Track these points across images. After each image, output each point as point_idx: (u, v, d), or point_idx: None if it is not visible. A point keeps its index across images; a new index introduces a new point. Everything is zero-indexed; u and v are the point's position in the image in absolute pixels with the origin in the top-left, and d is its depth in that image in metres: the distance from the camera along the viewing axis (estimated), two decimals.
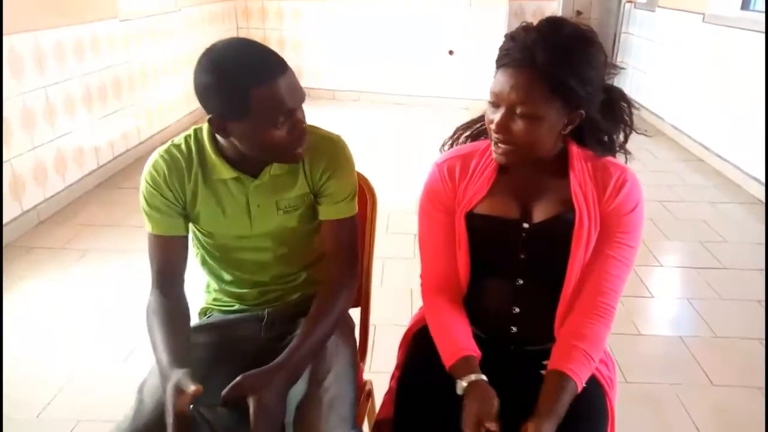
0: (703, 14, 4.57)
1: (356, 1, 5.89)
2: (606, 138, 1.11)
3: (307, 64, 6.17)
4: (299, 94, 1.03)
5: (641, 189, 1.10)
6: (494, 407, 0.97)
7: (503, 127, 1.01)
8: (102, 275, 2.68)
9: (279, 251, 1.22)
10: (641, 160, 4.06)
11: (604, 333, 1.07)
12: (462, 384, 1.01)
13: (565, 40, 0.96)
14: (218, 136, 1.09)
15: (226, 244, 1.21)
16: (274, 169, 1.14)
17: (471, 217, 1.13)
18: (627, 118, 1.11)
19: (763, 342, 2.23)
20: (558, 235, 1.09)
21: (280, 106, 1.00)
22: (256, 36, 5.96)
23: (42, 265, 2.74)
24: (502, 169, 1.12)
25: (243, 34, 6.06)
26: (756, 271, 2.77)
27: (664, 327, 2.41)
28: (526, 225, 1.11)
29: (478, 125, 1.20)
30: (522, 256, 1.12)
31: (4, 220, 2.91)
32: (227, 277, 1.26)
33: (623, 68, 1.14)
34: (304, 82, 1.06)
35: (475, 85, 5.54)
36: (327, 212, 1.19)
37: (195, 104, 4.99)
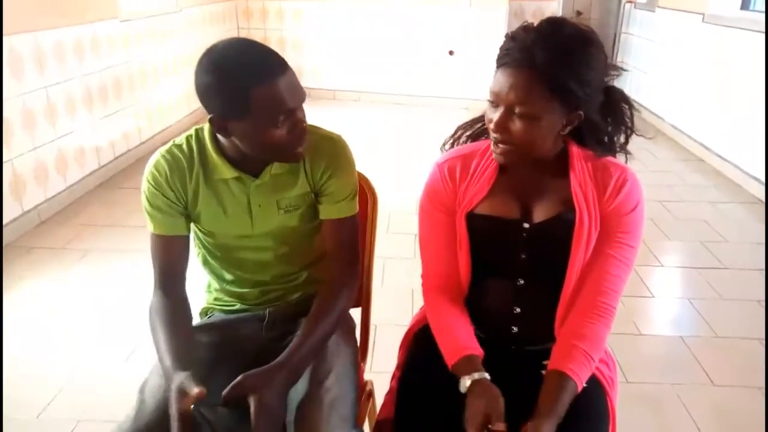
0: (703, 14, 4.57)
1: (356, 1, 5.90)
2: (606, 138, 1.11)
3: (307, 64, 6.18)
4: (299, 94, 1.04)
5: (641, 189, 1.10)
6: (501, 406, 0.97)
7: (502, 126, 1.01)
8: (103, 275, 2.68)
9: (280, 251, 1.22)
10: (641, 160, 4.06)
11: (604, 333, 1.07)
12: (465, 382, 1.01)
13: (564, 40, 0.97)
14: (219, 136, 1.09)
15: (227, 244, 1.21)
16: (275, 168, 1.14)
17: (472, 218, 1.13)
18: (627, 120, 1.11)
19: (764, 342, 2.23)
20: (558, 235, 1.09)
21: (281, 106, 1.00)
22: (257, 36, 5.96)
23: (43, 266, 2.74)
24: (502, 170, 1.12)
25: (244, 35, 6.06)
26: (756, 271, 2.77)
27: (665, 327, 2.41)
28: (526, 225, 1.11)
29: (479, 125, 1.20)
30: (523, 256, 1.12)
31: (5, 220, 2.91)
32: (228, 276, 1.26)
33: (626, 69, 1.14)
34: (304, 82, 1.06)
35: (475, 85, 5.54)
36: (327, 211, 1.19)
37: (195, 104, 5.02)
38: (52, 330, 2.27)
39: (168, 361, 1.01)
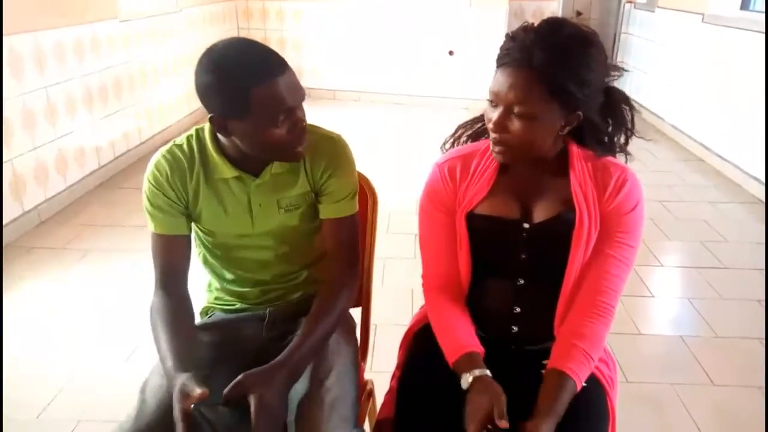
0: (703, 14, 4.57)
1: (356, 2, 5.90)
2: (606, 139, 1.11)
3: (307, 64, 6.18)
4: (299, 93, 1.04)
5: (641, 189, 1.10)
6: (503, 403, 0.97)
7: (501, 126, 1.01)
8: (103, 275, 2.68)
9: (280, 250, 1.22)
10: (641, 159, 4.06)
11: (603, 332, 1.08)
12: (467, 378, 1.01)
13: (563, 41, 0.97)
14: (220, 136, 1.10)
15: (227, 243, 1.21)
16: (275, 167, 1.14)
17: (472, 218, 1.13)
18: (628, 121, 1.11)
19: (764, 342, 2.23)
20: (558, 234, 1.09)
21: (280, 105, 1.00)
22: (257, 36, 5.96)
23: (43, 266, 2.74)
24: (502, 170, 1.12)
25: (244, 35, 6.06)
26: (756, 271, 2.77)
27: (665, 327, 2.41)
28: (526, 225, 1.11)
29: (480, 125, 1.20)
30: (523, 256, 1.12)
31: (5, 220, 2.91)
32: (229, 275, 1.26)
33: (627, 70, 1.13)
34: (304, 82, 1.07)
35: (475, 85, 5.54)
36: (327, 211, 1.19)
37: (195, 104, 5.02)
38: (52, 330, 2.28)
39: (169, 363, 1.01)
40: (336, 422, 1.03)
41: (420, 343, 1.22)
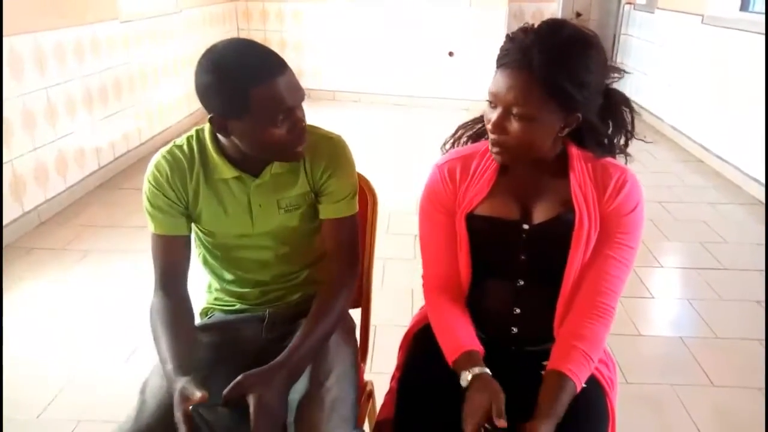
0: (702, 15, 4.58)
1: (356, 2, 5.90)
2: (606, 140, 1.11)
3: (307, 65, 6.18)
4: (299, 93, 1.04)
5: (641, 190, 1.10)
6: (502, 401, 0.97)
7: (499, 127, 1.01)
8: (103, 276, 2.68)
9: (280, 250, 1.22)
10: (641, 161, 4.06)
11: (603, 333, 1.08)
12: (466, 376, 1.01)
13: (562, 43, 0.96)
14: (219, 136, 1.10)
15: (227, 243, 1.21)
16: (275, 168, 1.14)
17: (471, 219, 1.13)
18: (628, 123, 1.11)
19: (763, 343, 2.23)
20: (558, 235, 1.09)
21: (280, 105, 1.01)
22: (257, 37, 5.96)
23: (43, 266, 2.75)
24: (502, 171, 1.12)
25: (244, 36, 6.06)
26: (756, 272, 2.77)
27: (665, 328, 2.41)
28: (526, 226, 1.11)
29: (480, 125, 1.20)
30: (522, 257, 1.12)
31: (5, 221, 2.91)
32: (228, 276, 1.26)
33: (628, 72, 1.13)
34: (304, 83, 1.07)
35: (475, 85, 5.55)
36: (327, 211, 1.19)
37: (195, 105, 5.02)
38: (52, 330, 2.28)
39: (170, 366, 1.01)
40: (336, 423, 1.03)
41: (420, 344, 1.22)
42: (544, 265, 1.12)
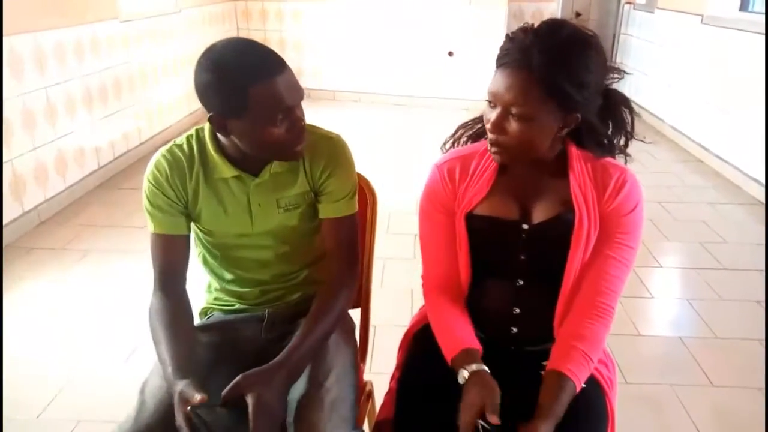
0: (702, 15, 4.58)
1: (356, 2, 5.90)
2: (606, 140, 1.11)
3: (307, 65, 6.18)
4: (297, 92, 1.04)
5: (641, 190, 1.10)
6: (497, 398, 0.97)
7: (498, 126, 1.01)
8: (103, 276, 2.68)
9: (280, 250, 1.22)
10: (641, 161, 4.07)
11: (603, 333, 1.08)
12: (463, 373, 1.01)
13: (561, 43, 0.96)
14: (219, 135, 1.10)
15: (226, 243, 1.21)
16: (275, 167, 1.14)
17: (471, 218, 1.13)
18: (627, 124, 1.11)
19: (763, 343, 2.23)
20: (558, 235, 1.09)
21: (279, 104, 1.01)
22: (257, 37, 5.96)
23: (42, 266, 2.74)
24: (501, 170, 1.12)
25: (243, 35, 6.06)
26: (756, 272, 2.77)
27: (664, 328, 2.41)
28: (525, 226, 1.11)
29: (480, 125, 1.20)
30: (522, 257, 1.12)
31: (5, 221, 2.91)
32: (228, 276, 1.26)
33: (628, 73, 1.13)
34: (304, 83, 1.07)
35: (474, 85, 5.54)
36: (327, 210, 1.19)
37: (195, 105, 5.02)
38: (52, 330, 2.28)
39: (169, 369, 1.01)
40: (335, 423, 1.03)
41: (419, 344, 1.22)
42: (544, 265, 1.12)
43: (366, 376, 1.36)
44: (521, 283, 1.14)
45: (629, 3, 6.05)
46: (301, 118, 1.07)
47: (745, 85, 3.89)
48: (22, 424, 1.80)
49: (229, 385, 0.97)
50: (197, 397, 0.93)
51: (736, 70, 4.07)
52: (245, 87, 0.98)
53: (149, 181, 1.14)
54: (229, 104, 1.01)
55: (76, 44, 3.54)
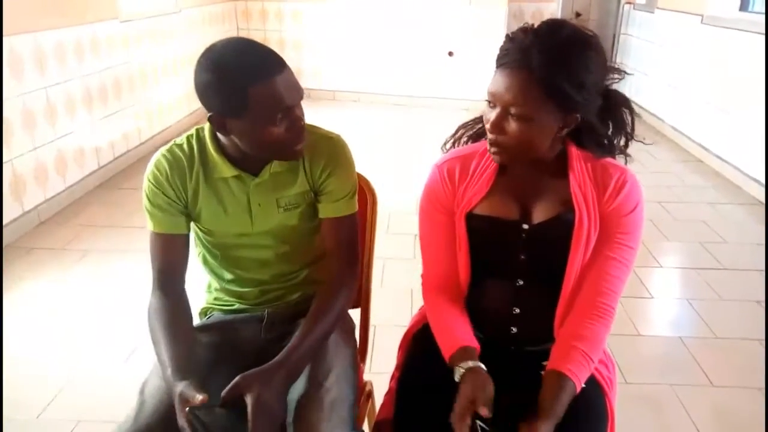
0: (702, 15, 4.58)
1: (356, 2, 5.90)
2: (606, 141, 1.11)
3: (307, 65, 6.18)
4: (297, 92, 1.04)
5: (641, 190, 1.10)
6: (489, 392, 0.97)
7: (497, 126, 1.01)
8: (102, 276, 2.68)
9: (280, 249, 1.22)
10: (640, 161, 4.07)
11: (603, 334, 1.08)
12: (459, 371, 1.02)
13: (561, 43, 0.96)
14: (219, 135, 1.10)
15: (226, 242, 1.21)
16: (275, 166, 1.14)
17: (471, 218, 1.13)
18: (628, 125, 1.11)
19: (763, 343, 2.23)
20: (558, 235, 1.09)
21: (278, 104, 1.01)
22: (257, 37, 5.96)
23: (42, 266, 2.74)
24: (501, 170, 1.12)
25: (243, 35, 6.06)
26: (756, 272, 2.77)
27: (664, 328, 2.41)
28: (525, 226, 1.11)
29: (480, 125, 1.20)
30: (522, 257, 1.12)
31: (5, 221, 2.91)
32: (228, 275, 1.26)
33: (630, 73, 1.13)
34: (304, 83, 1.07)
35: (474, 85, 5.54)
36: (326, 210, 1.19)
37: (195, 105, 5.02)
38: (52, 330, 2.28)
39: (169, 370, 1.01)
40: (335, 423, 1.03)
41: (419, 344, 1.22)
42: (544, 265, 1.12)
43: (366, 376, 1.36)
44: (521, 283, 1.14)
45: (629, 3, 6.05)
46: (301, 118, 1.07)
47: (745, 85, 3.88)
48: (22, 424, 1.80)
49: (228, 386, 0.97)
50: (198, 397, 0.93)
51: (736, 70, 4.07)
52: (245, 87, 0.98)
53: (149, 180, 1.14)
54: (228, 104, 1.01)
55: (76, 44, 3.54)
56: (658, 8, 5.38)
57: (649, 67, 5.50)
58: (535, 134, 1.01)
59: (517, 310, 1.14)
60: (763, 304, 2.48)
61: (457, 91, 5.86)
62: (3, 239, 2.87)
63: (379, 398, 1.26)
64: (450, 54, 5.86)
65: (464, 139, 1.22)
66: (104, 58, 3.84)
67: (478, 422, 0.96)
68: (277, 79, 1.00)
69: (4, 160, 2.91)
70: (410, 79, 6.00)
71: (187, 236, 1.18)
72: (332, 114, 5.42)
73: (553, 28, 0.98)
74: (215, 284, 1.30)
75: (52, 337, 2.23)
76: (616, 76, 1.08)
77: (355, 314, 1.38)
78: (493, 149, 1.05)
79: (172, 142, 1.16)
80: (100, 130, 3.80)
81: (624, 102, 1.10)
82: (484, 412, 0.94)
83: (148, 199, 1.14)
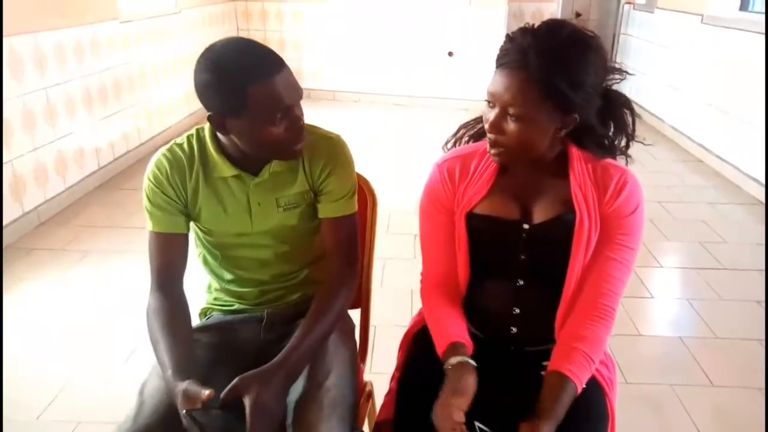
0: (702, 15, 4.58)
1: (356, 2, 5.90)
2: (606, 141, 1.11)
3: (307, 65, 6.18)
4: (296, 92, 1.04)
5: (642, 191, 1.10)
6: (470, 385, 0.98)
7: (496, 126, 1.01)
8: (102, 276, 2.68)
9: (280, 249, 1.22)
10: (641, 161, 4.04)
11: (604, 334, 1.07)
12: (447, 367, 1.02)
13: (560, 44, 0.96)
14: (219, 134, 1.10)
15: (226, 242, 1.21)
16: (274, 166, 1.14)
17: (471, 218, 1.13)
18: (628, 125, 1.11)
19: (763, 342, 2.23)
20: (558, 236, 1.09)
21: (277, 103, 1.01)
22: (257, 37, 5.93)
23: (42, 267, 2.74)
24: (502, 170, 1.12)
25: (243, 36, 6.06)
26: (756, 272, 2.77)
27: (664, 328, 2.41)
28: (526, 226, 1.11)
29: (481, 125, 1.20)
30: (522, 257, 1.12)
31: (5, 221, 2.91)
32: (228, 275, 1.26)
33: (630, 73, 1.13)
34: (304, 83, 1.07)
35: (474, 85, 5.54)
36: (326, 210, 1.19)
37: (195, 105, 5.02)
38: (52, 331, 2.27)
39: (169, 371, 1.01)
40: (334, 424, 1.03)
41: (419, 344, 1.22)
42: (544, 266, 1.12)
43: (366, 377, 1.36)
44: (521, 283, 1.14)
45: (629, 3, 6.05)
46: (300, 117, 1.07)
47: (745, 85, 3.88)
48: (22, 425, 1.80)
49: (227, 388, 0.97)
50: (205, 393, 0.93)
51: (737, 70, 4.07)
52: (244, 86, 0.98)
53: (149, 179, 1.14)
54: (228, 103, 1.01)
55: (76, 45, 3.54)
56: (658, 8, 5.38)
57: (649, 67, 5.50)
58: (533, 134, 1.01)
59: (517, 310, 1.14)
60: (763, 304, 2.48)
61: (457, 91, 5.86)
62: (3, 240, 2.87)
63: (379, 398, 1.26)
64: (450, 54, 5.86)
65: (465, 138, 1.22)
66: (104, 59, 3.84)
67: (477, 423, 0.96)
68: (277, 78, 1.00)
69: (4, 161, 2.91)
70: (410, 79, 6.00)
71: (187, 236, 1.18)
72: (332, 114, 5.42)
73: (552, 28, 0.98)
74: (215, 284, 1.30)
75: (51, 338, 2.23)
76: (617, 76, 1.08)
77: (355, 314, 1.38)
78: (492, 150, 1.05)
79: (172, 142, 1.16)
80: (100, 131, 3.80)
81: (624, 102, 1.10)
82: (459, 417, 0.94)
83: (148, 199, 1.14)
